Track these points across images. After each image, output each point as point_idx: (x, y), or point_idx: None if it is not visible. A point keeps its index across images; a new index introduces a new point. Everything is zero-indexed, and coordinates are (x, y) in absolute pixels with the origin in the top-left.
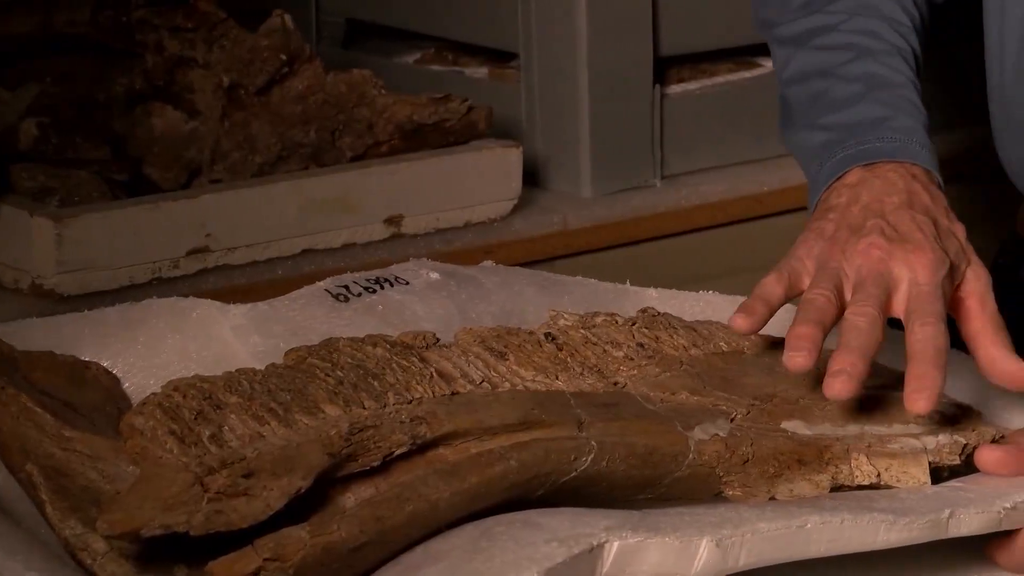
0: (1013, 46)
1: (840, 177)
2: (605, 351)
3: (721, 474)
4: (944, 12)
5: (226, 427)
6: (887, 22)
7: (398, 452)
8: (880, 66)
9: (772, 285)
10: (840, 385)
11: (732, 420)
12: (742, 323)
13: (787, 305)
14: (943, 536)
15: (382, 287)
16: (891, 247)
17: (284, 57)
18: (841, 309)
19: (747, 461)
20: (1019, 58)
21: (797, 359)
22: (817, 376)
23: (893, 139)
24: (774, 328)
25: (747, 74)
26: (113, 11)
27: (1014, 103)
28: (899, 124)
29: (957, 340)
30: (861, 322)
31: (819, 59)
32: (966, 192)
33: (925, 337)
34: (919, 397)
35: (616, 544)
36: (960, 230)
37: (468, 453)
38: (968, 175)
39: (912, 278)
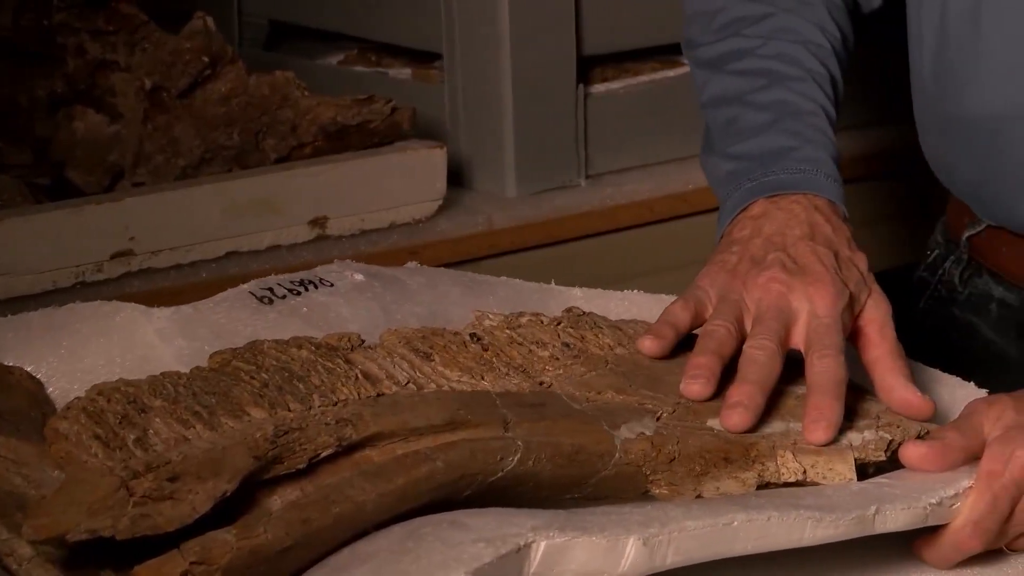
0: (931, 41)
1: (744, 209)
2: (531, 351)
3: (648, 473)
4: (874, 16)
5: (151, 431)
6: (804, 46)
7: (324, 454)
8: (791, 94)
9: (679, 312)
10: (738, 417)
11: (658, 419)
12: (652, 346)
13: None
14: (869, 532)
15: (307, 289)
16: (791, 280)
17: (206, 59)
18: (741, 340)
19: (673, 459)
20: (937, 53)
21: (694, 387)
22: None
23: (797, 170)
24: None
25: (671, 73)
26: (34, 14)
27: (934, 98)
28: (804, 155)
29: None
30: (759, 356)
31: (733, 85)
32: (898, 189)
33: (823, 369)
34: (818, 427)
35: (543, 544)
36: (861, 260)
37: (394, 454)
38: (899, 172)
39: (811, 310)
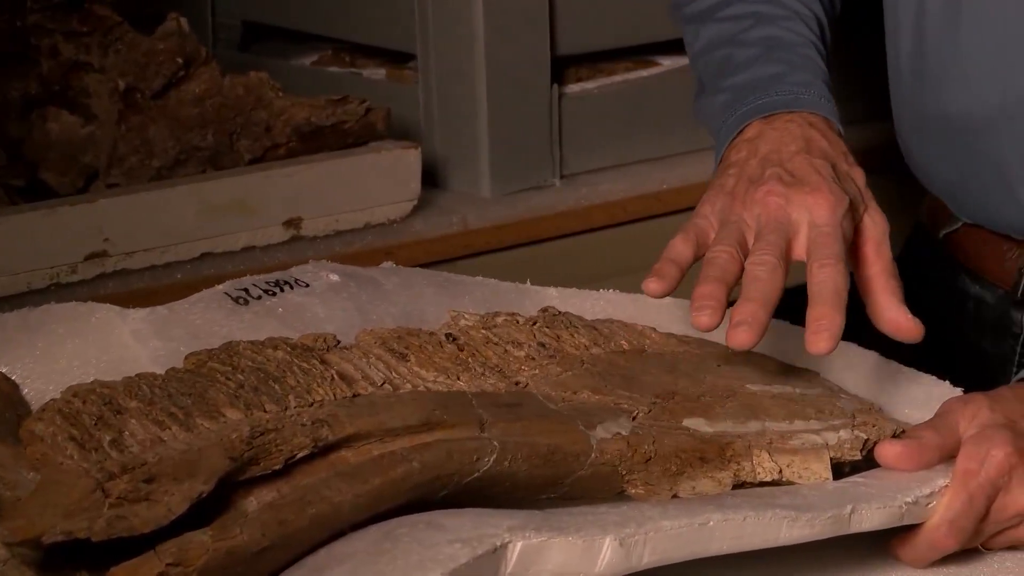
0: (908, 39)
1: (740, 133)
2: (506, 351)
3: (624, 473)
4: (849, 7)
5: (127, 432)
6: None
7: (300, 455)
8: (780, 29)
9: (680, 246)
10: (743, 335)
11: (634, 419)
12: (656, 287)
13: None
14: (845, 532)
15: (282, 289)
16: (789, 192)
17: (180, 60)
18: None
19: (649, 459)
20: (914, 51)
21: (702, 318)
22: (716, 372)
23: (789, 92)
24: (677, 320)
25: (645, 73)
26: (7, 15)
27: (911, 96)
28: (796, 79)
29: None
30: (760, 271)
31: (722, 29)
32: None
33: (824, 278)
34: (819, 339)
35: (519, 544)
36: (859, 175)
37: (370, 455)
38: (876, 169)
39: (811, 220)
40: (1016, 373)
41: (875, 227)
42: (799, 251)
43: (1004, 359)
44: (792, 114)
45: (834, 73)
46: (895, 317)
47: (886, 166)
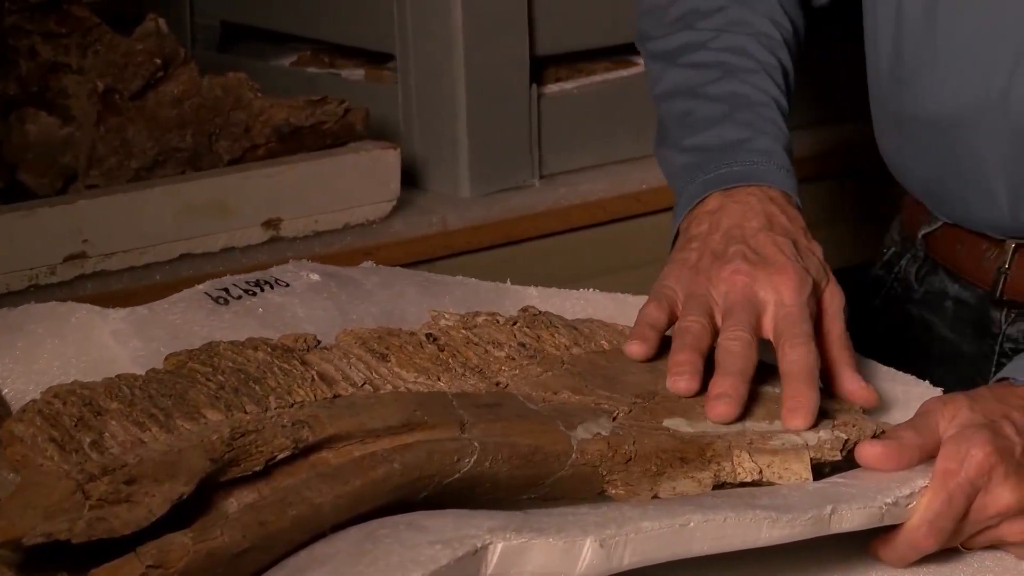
0: (887, 40)
1: (700, 203)
2: (487, 351)
3: (604, 473)
4: (826, 12)
5: (107, 433)
6: (756, 38)
7: (281, 456)
8: (744, 85)
9: (655, 312)
10: (724, 408)
11: (614, 419)
12: (639, 349)
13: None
14: (826, 532)
15: (262, 289)
16: (755, 271)
17: (159, 61)
18: (715, 334)
19: (630, 460)
20: (893, 52)
21: (680, 383)
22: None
23: (751, 162)
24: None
25: (624, 73)
26: None
27: (890, 97)
28: (757, 146)
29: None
30: (735, 346)
31: (687, 77)
32: (853, 187)
33: (796, 357)
34: (796, 416)
35: (500, 545)
36: (818, 249)
37: (351, 456)
38: (855, 170)
39: (778, 299)
40: (995, 372)
41: (833, 301)
42: (767, 329)
43: (983, 358)
44: (752, 187)
45: (809, 75)
46: (852, 388)
47: (858, 168)
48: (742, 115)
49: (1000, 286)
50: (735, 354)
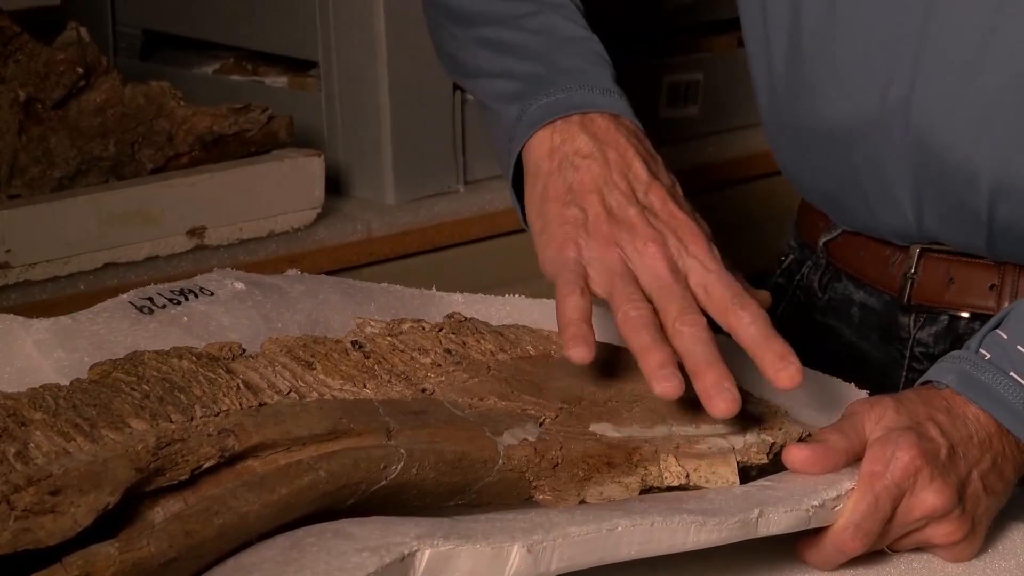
0: (781, 50)
1: (549, 128)
2: (412, 358)
3: (531, 479)
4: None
5: (31, 444)
6: None
7: (206, 465)
8: (563, 20)
9: (578, 301)
10: (728, 403)
11: (541, 424)
12: (584, 354)
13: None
14: (753, 536)
15: (187, 298)
16: (664, 238)
17: (81, 70)
18: (654, 310)
19: (557, 465)
20: (787, 64)
21: (668, 387)
22: (623, 377)
23: (604, 89)
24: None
25: None
26: None
27: (785, 108)
28: (596, 76)
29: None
30: (701, 334)
31: (500, 8)
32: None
33: (751, 320)
34: (784, 373)
35: (428, 552)
36: (678, 188)
37: (277, 464)
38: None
39: (697, 264)
40: (905, 377)
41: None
42: (700, 296)
43: (892, 364)
44: (606, 117)
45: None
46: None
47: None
48: (571, 47)
49: (907, 292)
50: (703, 342)
